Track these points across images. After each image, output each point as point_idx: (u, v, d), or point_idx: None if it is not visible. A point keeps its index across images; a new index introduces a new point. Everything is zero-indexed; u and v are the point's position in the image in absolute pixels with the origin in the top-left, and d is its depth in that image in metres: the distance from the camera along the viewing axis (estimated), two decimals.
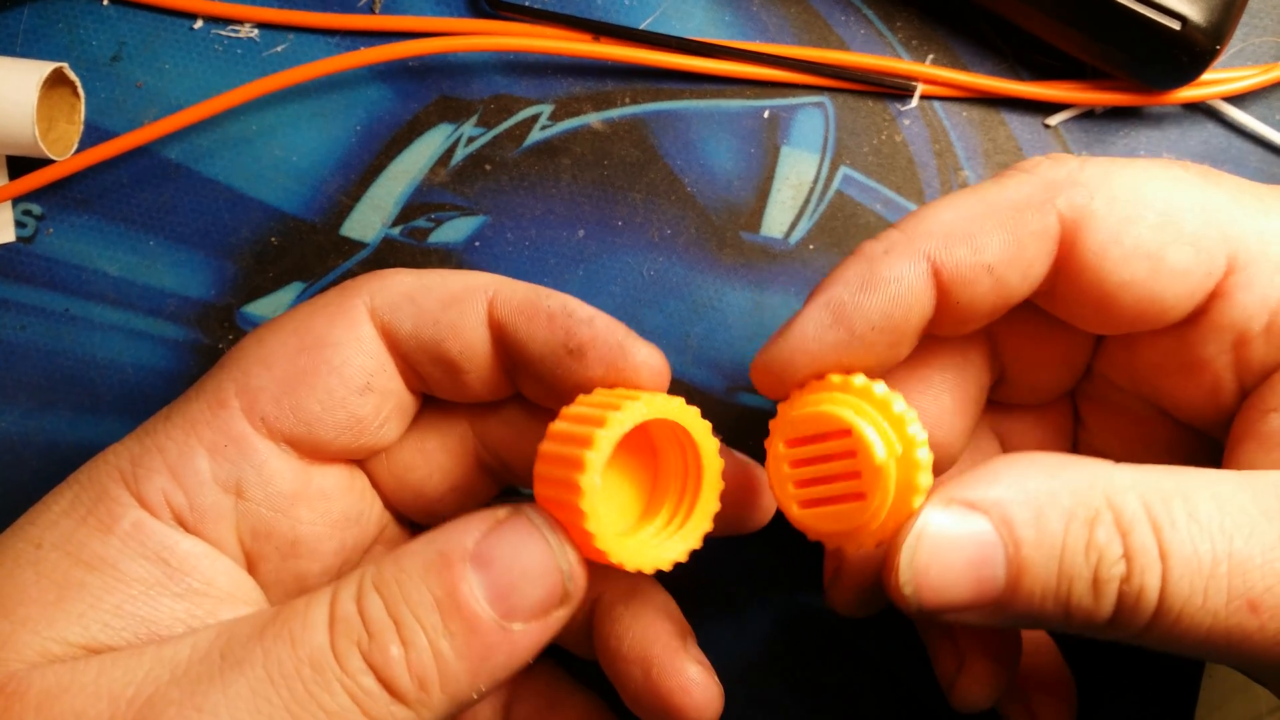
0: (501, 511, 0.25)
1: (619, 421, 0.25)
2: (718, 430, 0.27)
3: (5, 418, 0.36)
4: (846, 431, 0.25)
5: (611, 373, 0.27)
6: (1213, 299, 0.26)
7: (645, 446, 0.28)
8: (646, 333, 0.37)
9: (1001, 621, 0.24)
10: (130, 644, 0.24)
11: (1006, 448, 0.32)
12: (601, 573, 0.30)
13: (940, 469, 0.30)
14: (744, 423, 0.37)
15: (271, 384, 0.27)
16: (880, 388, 0.25)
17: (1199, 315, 0.26)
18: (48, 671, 0.23)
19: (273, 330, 0.28)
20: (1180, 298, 0.26)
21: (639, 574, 0.29)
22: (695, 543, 0.27)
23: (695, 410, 0.26)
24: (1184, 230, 0.25)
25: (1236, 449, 0.26)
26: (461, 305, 0.28)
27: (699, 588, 0.37)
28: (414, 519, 0.32)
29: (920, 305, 0.26)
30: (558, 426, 0.26)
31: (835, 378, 0.26)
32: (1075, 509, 0.23)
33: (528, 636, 0.24)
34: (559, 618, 0.25)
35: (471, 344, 0.28)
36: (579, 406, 0.26)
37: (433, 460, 0.30)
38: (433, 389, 0.29)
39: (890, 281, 0.26)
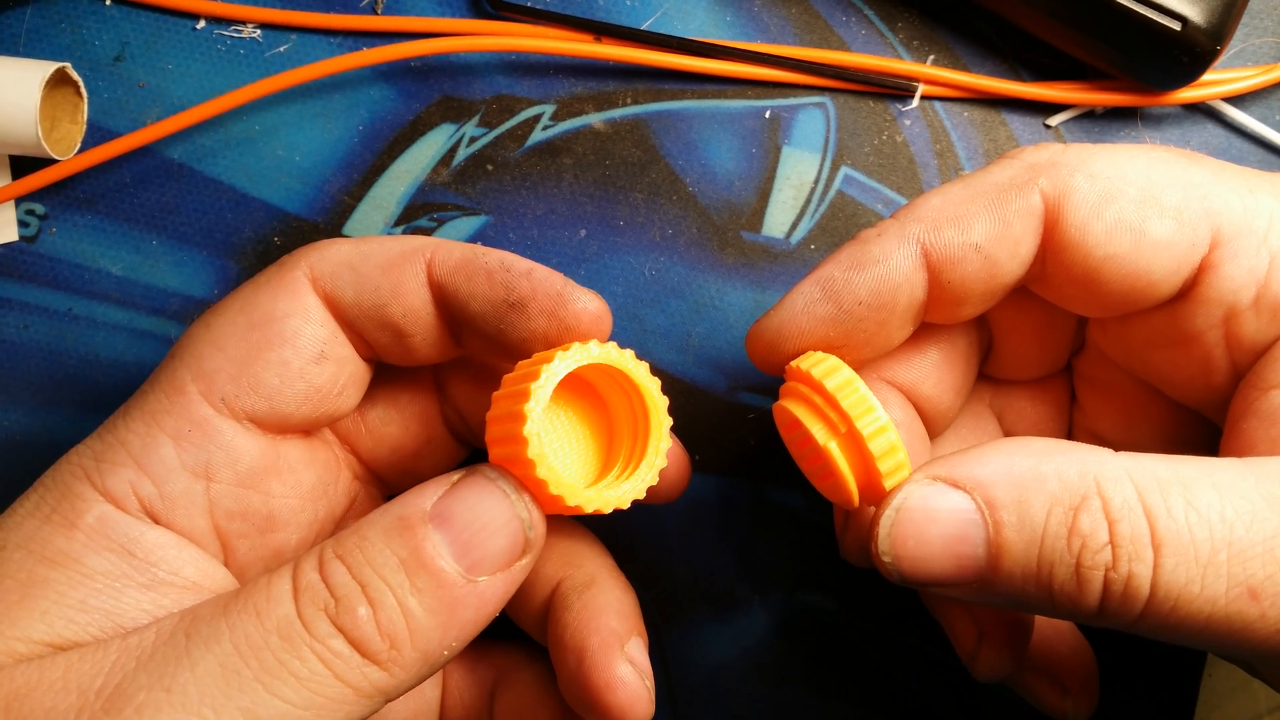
0: (456, 474, 0.25)
1: (552, 372, 0.25)
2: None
3: (9, 417, 0.36)
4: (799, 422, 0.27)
5: (553, 323, 0.27)
6: (1200, 273, 0.26)
7: (597, 403, 0.29)
8: (648, 332, 0.37)
9: (990, 600, 0.24)
10: (96, 638, 0.24)
11: (1004, 424, 0.33)
12: (563, 558, 0.30)
13: (936, 428, 0.31)
14: (746, 422, 0.37)
15: (227, 364, 0.27)
16: (835, 378, 0.26)
17: (1187, 290, 0.26)
18: (15, 672, 0.23)
19: (218, 314, 0.28)
20: (1166, 271, 0.26)
21: (602, 564, 0.31)
22: (652, 479, 0.27)
23: (629, 353, 0.27)
24: (1165, 204, 0.26)
25: (1237, 427, 0.26)
26: (401, 268, 0.28)
27: (700, 588, 0.37)
28: (393, 480, 0.32)
29: (909, 285, 0.27)
30: (500, 392, 0.27)
31: (805, 362, 0.27)
32: (1060, 494, 0.23)
33: (494, 588, 0.24)
34: (522, 567, 0.25)
35: (414, 306, 0.28)
36: (518, 370, 0.27)
37: (407, 412, 0.31)
38: (382, 355, 0.30)
39: (879, 261, 0.27)
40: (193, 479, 0.27)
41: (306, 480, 0.29)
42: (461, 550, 0.24)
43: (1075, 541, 0.22)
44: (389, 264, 0.28)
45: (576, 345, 0.26)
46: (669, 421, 0.27)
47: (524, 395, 0.25)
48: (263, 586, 0.24)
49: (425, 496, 0.25)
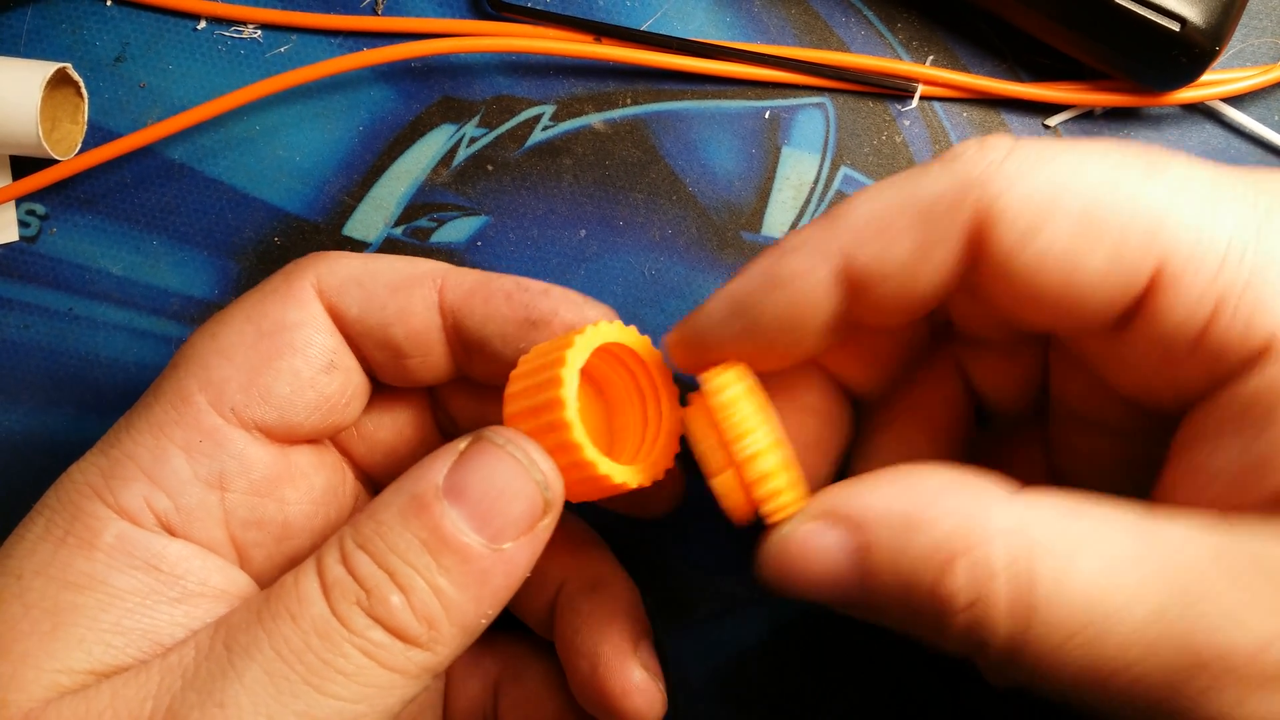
0: (462, 443, 0.25)
1: (578, 353, 0.25)
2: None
3: (9, 417, 0.36)
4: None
5: None
6: (1138, 309, 0.23)
7: (592, 398, 0.29)
8: (648, 332, 0.37)
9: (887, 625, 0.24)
10: (136, 660, 0.24)
11: (974, 383, 0.30)
12: (568, 558, 0.31)
13: (871, 398, 0.30)
14: None
15: (236, 373, 0.27)
16: (723, 395, 0.25)
17: (1128, 321, 0.24)
18: (63, 707, 0.23)
19: (224, 322, 0.28)
20: (1100, 304, 0.23)
21: (606, 562, 0.31)
22: (676, 446, 0.27)
23: (633, 329, 0.27)
24: (1105, 232, 0.22)
25: (1165, 475, 0.24)
26: (410, 291, 0.28)
27: (700, 588, 0.37)
28: (387, 482, 0.32)
29: (823, 304, 0.25)
30: (517, 387, 0.26)
31: (719, 379, 0.26)
32: (938, 546, 0.22)
33: (520, 553, 0.24)
34: (546, 527, 0.25)
35: (418, 330, 0.28)
36: (525, 364, 0.27)
37: (400, 418, 0.31)
38: (376, 373, 0.29)
39: (790, 281, 0.25)
40: (207, 490, 0.26)
41: (318, 485, 0.29)
42: (481, 521, 0.24)
43: (943, 596, 0.21)
44: (398, 285, 0.28)
45: (590, 327, 0.26)
46: (677, 391, 0.27)
47: (556, 382, 0.25)
48: (290, 588, 0.24)
49: (435, 470, 0.24)
